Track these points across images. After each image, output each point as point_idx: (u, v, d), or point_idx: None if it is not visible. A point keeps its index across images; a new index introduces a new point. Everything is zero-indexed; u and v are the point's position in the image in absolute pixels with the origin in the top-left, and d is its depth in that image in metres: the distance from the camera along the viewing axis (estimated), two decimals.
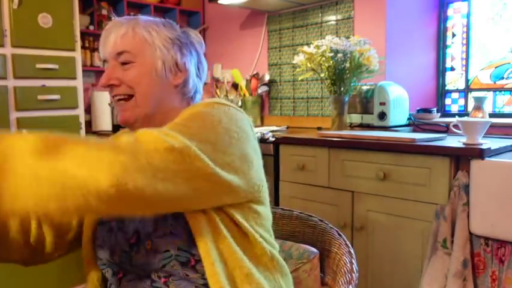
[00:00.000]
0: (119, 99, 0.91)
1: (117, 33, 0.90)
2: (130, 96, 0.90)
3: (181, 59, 0.93)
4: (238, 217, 0.81)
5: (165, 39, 0.92)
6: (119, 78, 0.90)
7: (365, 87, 2.23)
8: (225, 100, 0.90)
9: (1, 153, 0.61)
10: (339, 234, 1.10)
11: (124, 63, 0.90)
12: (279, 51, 2.92)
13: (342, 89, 2.15)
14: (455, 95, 2.53)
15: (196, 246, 0.77)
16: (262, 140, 2.07)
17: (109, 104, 2.80)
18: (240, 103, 2.98)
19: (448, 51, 2.56)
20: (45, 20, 2.23)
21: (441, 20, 2.56)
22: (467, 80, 2.48)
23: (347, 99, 2.18)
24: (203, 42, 1.01)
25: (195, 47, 0.97)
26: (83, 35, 2.73)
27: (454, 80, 2.54)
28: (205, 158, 0.72)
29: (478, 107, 2.03)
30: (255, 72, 2.98)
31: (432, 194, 1.60)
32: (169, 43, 0.92)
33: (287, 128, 2.70)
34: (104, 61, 0.94)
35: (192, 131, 0.75)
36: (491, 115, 2.16)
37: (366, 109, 2.23)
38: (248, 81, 2.94)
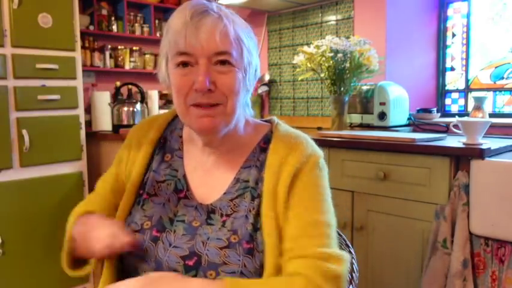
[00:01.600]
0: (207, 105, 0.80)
1: (215, 27, 0.78)
2: (218, 104, 0.81)
3: (258, 67, 0.89)
4: None
5: (253, 41, 0.86)
6: (215, 83, 0.80)
7: (365, 87, 2.23)
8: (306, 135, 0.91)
9: None
10: (339, 234, 1.10)
11: (222, 65, 0.80)
12: (279, 51, 2.92)
13: (342, 89, 2.15)
14: (455, 95, 2.54)
15: None
16: None
17: (109, 104, 2.80)
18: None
19: (448, 51, 2.56)
20: (45, 20, 2.23)
21: (441, 20, 2.56)
22: (467, 80, 2.48)
23: (347, 99, 2.18)
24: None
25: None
26: (83, 35, 2.73)
27: (454, 80, 2.55)
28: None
29: (478, 107, 2.03)
30: None
31: (432, 194, 1.60)
32: (255, 47, 0.87)
33: None
34: (184, 53, 0.79)
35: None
36: (491, 115, 2.16)
37: (366, 109, 2.23)
38: None
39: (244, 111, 0.91)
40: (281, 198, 0.81)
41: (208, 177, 0.90)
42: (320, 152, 0.89)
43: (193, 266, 0.79)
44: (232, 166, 0.89)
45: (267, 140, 0.90)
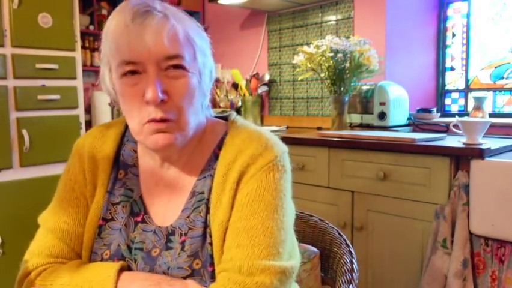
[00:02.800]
0: (162, 119, 0.71)
1: (161, 29, 0.69)
2: (169, 119, 0.72)
3: (214, 69, 0.81)
4: None
5: (206, 41, 0.77)
6: (167, 92, 0.71)
7: (365, 87, 2.23)
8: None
9: None
10: (340, 234, 1.10)
11: (173, 69, 0.71)
12: (279, 51, 2.92)
13: (342, 89, 2.15)
14: (455, 95, 2.54)
15: None
16: None
17: (109, 104, 2.80)
18: (240, 103, 2.98)
19: (448, 51, 2.56)
20: (45, 20, 2.23)
21: (441, 20, 2.56)
22: (467, 80, 2.48)
23: (347, 99, 2.18)
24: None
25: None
26: (83, 35, 2.73)
27: (453, 80, 2.54)
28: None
29: (478, 107, 2.03)
30: (255, 72, 2.98)
31: (432, 194, 1.60)
32: (208, 47, 0.78)
33: (287, 128, 2.70)
34: (129, 63, 0.70)
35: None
36: (491, 115, 2.16)
37: (366, 109, 2.23)
38: (248, 81, 2.94)
39: (202, 117, 0.82)
40: (225, 209, 0.74)
41: (170, 194, 0.81)
42: (277, 151, 0.77)
43: None
44: (190, 179, 0.81)
45: (221, 145, 0.81)
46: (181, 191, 0.81)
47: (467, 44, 2.46)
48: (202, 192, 0.78)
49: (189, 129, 0.75)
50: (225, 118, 0.87)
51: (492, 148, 1.54)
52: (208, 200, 0.77)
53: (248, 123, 0.84)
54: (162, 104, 0.70)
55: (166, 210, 0.80)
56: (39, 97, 2.22)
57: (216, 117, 0.89)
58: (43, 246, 0.82)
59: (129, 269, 0.77)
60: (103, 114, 2.80)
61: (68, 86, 2.34)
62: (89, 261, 0.80)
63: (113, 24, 0.71)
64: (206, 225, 0.76)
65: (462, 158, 1.56)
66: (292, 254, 0.77)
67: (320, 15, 2.67)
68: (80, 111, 2.40)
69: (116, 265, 0.74)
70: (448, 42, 2.55)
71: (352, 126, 2.29)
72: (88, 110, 2.82)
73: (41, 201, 2.56)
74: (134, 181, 0.83)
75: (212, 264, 0.74)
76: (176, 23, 0.72)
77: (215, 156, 0.81)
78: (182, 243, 0.76)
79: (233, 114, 0.86)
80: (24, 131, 2.16)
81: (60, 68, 2.29)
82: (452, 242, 1.52)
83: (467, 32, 2.46)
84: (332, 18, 2.61)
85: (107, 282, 0.71)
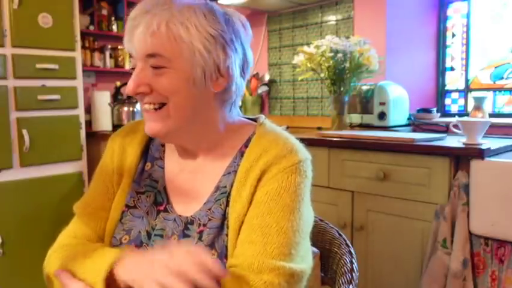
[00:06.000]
0: (150, 108, 0.78)
1: (147, 28, 0.73)
2: (162, 104, 0.77)
3: (224, 62, 0.77)
4: None
5: (206, 37, 0.75)
6: (149, 85, 0.76)
7: (365, 87, 2.23)
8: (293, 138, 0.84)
9: None
10: (339, 234, 1.10)
11: (155, 67, 0.75)
12: (279, 51, 2.92)
13: (342, 89, 2.15)
14: (455, 95, 2.54)
15: None
16: None
17: (109, 104, 2.80)
18: (239, 103, 2.98)
19: (448, 51, 2.56)
20: (45, 20, 2.23)
21: (441, 19, 2.56)
22: (467, 80, 2.48)
23: (347, 99, 2.18)
24: (249, 27, 0.84)
25: (241, 39, 0.81)
26: (83, 35, 2.73)
27: (453, 80, 2.55)
28: None
29: (478, 107, 2.03)
30: (255, 72, 2.98)
31: (432, 194, 1.60)
32: (211, 43, 0.75)
33: (287, 128, 2.69)
34: (131, 56, 0.80)
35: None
36: (491, 115, 2.16)
37: (366, 109, 2.23)
38: (248, 81, 2.94)
39: (208, 110, 0.82)
40: (244, 204, 0.77)
41: (194, 182, 0.85)
42: (301, 156, 0.79)
43: None
44: (215, 174, 0.84)
45: (248, 144, 0.84)
46: (204, 184, 0.84)
47: (467, 44, 2.46)
48: (225, 187, 0.82)
49: (180, 118, 0.78)
50: (255, 120, 0.92)
51: (492, 148, 1.55)
52: (229, 193, 0.80)
53: (276, 127, 0.88)
54: (145, 96, 0.77)
55: (187, 201, 0.84)
56: (39, 97, 2.22)
57: (248, 119, 0.93)
58: (71, 229, 0.87)
59: None
60: (103, 114, 2.79)
61: (68, 86, 2.34)
62: (109, 244, 0.83)
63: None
64: (225, 217, 0.79)
65: (462, 158, 1.56)
66: (305, 259, 0.77)
67: (320, 15, 2.67)
68: (80, 111, 2.40)
69: (122, 250, 0.73)
70: (448, 42, 2.55)
71: (352, 126, 2.29)
72: (88, 110, 2.81)
73: (41, 201, 2.57)
74: (159, 173, 0.88)
75: (227, 255, 0.76)
76: (161, 21, 0.73)
77: (241, 154, 0.84)
78: (200, 233, 0.79)
79: (262, 117, 0.91)
80: (24, 131, 2.16)
81: (60, 68, 2.29)
82: (452, 242, 1.52)
83: (467, 32, 2.46)
84: (332, 18, 2.61)
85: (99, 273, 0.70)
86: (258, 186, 0.77)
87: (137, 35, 0.74)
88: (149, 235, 0.81)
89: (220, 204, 0.80)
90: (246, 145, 0.84)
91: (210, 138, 0.84)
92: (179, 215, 0.82)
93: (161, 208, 0.84)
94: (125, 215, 0.85)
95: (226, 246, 0.76)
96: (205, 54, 0.75)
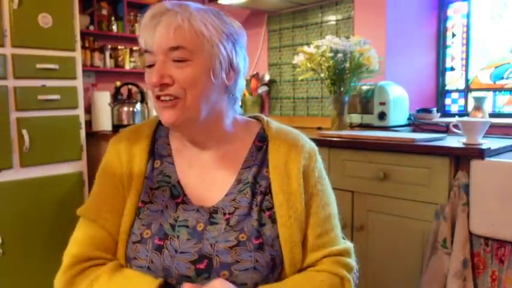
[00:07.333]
0: (167, 99, 0.82)
1: (170, 23, 0.80)
2: (178, 98, 0.82)
3: (235, 57, 0.87)
4: None
5: (221, 34, 0.84)
6: (172, 77, 0.81)
7: (365, 87, 2.23)
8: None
9: None
10: None
11: (177, 61, 0.81)
12: (279, 51, 2.92)
13: (342, 89, 2.15)
14: (455, 95, 2.54)
15: (272, 279, 0.83)
16: None
17: (109, 104, 2.80)
18: (240, 103, 2.98)
19: (448, 51, 2.56)
20: (45, 20, 2.23)
21: (441, 20, 2.56)
22: (467, 80, 2.48)
23: (347, 99, 2.18)
24: (245, 33, 0.92)
25: (241, 41, 0.90)
26: (83, 35, 2.73)
27: (453, 80, 2.54)
28: None
29: (478, 107, 2.03)
30: (255, 72, 2.98)
31: (432, 194, 1.60)
32: (225, 39, 0.84)
33: None
34: (146, 51, 0.84)
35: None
36: (491, 115, 2.16)
37: (366, 109, 2.23)
38: (248, 81, 2.94)
39: (231, 108, 0.93)
40: (297, 196, 0.86)
41: (206, 176, 0.90)
42: (314, 145, 0.96)
43: (205, 269, 0.80)
44: (232, 167, 0.91)
45: (261, 139, 0.94)
46: (221, 176, 0.90)
47: (467, 44, 2.46)
48: (247, 179, 0.89)
49: (195, 110, 0.83)
50: (254, 118, 1.01)
51: (492, 148, 1.54)
52: (253, 184, 0.88)
53: (279, 123, 0.98)
54: (166, 87, 0.81)
55: (203, 191, 0.89)
56: (40, 97, 2.22)
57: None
58: (86, 234, 0.88)
59: (172, 245, 0.82)
60: (103, 114, 2.79)
61: (68, 86, 2.34)
62: (126, 242, 0.86)
63: (141, 23, 0.85)
64: (251, 206, 0.86)
65: (462, 158, 1.56)
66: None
67: (320, 15, 2.67)
68: (80, 111, 2.40)
69: (155, 282, 0.78)
70: (448, 42, 2.55)
71: (352, 126, 2.29)
72: (88, 110, 2.81)
73: (41, 201, 2.56)
74: (170, 169, 0.92)
75: (258, 237, 0.82)
76: (184, 18, 0.80)
77: (256, 148, 0.92)
78: (227, 220, 0.85)
79: (264, 116, 0.99)
80: (24, 131, 2.16)
81: (60, 68, 2.29)
82: (452, 242, 1.52)
83: (467, 32, 2.46)
84: (332, 18, 2.61)
85: None
86: (306, 181, 0.89)
87: (159, 31, 0.80)
88: (173, 227, 0.85)
89: (245, 194, 0.87)
90: (259, 140, 0.93)
91: (220, 131, 0.91)
92: (201, 206, 0.87)
93: (179, 200, 0.88)
94: (142, 210, 0.88)
95: (257, 229, 0.83)
96: (222, 48, 0.83)
